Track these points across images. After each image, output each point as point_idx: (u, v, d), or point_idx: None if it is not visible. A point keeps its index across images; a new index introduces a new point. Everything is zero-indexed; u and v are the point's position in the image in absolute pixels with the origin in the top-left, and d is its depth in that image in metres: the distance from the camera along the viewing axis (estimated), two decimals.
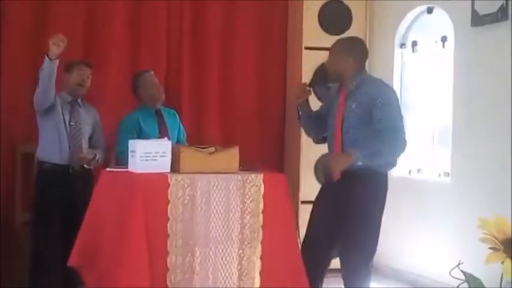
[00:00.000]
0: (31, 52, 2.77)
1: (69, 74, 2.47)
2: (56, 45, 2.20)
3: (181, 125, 2.80)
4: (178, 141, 2.67)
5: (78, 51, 2.78)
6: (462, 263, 0.95)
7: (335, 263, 2.09)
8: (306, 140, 2.94)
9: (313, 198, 2.56)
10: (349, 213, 1.94)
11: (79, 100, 2.51)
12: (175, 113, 2.80)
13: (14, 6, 2.74)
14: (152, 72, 2.75)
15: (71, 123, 2.44)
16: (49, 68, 2.24)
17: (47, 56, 2.23)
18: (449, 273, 0.98)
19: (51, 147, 2.40)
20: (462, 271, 0.94)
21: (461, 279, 0.91)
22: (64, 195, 2.37)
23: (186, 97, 3.07)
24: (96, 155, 2.46)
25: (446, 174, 2.94)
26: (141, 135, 2.53)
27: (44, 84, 2.27)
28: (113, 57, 2.95)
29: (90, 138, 2.52)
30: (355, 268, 1.97)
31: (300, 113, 2.11)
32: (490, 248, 0.95)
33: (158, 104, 2.69)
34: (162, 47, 3.05)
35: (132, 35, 2.99)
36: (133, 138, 2.46)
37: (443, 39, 2.94)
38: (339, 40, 2.16)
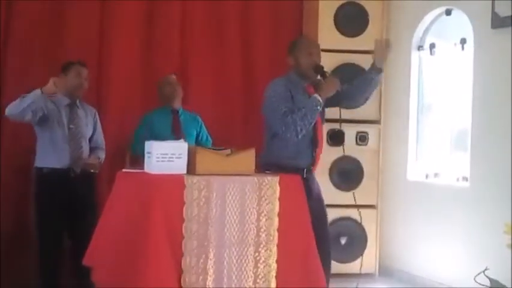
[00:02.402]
0: (39, 55, 2.74)
1: (66, 76, 2.42)
2: (55, 86, 2.18)
3: (205, 131, 2.82)
4: (199, 145, 2.66)
5: (91, 49, 2.78)
6: (488, 269, 0.92)
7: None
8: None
9: (326, 202, 2.55)
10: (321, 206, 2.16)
11: (77, 102, 2.48)
12: (198, 117, 2.82)
13: (22, 7, 2.69)
14: (173, 75, 2.79)
15: (71, 126, 2.41)
16: (36, 99, 2.18)
17: (40, 88, 2.19)
18: (474, 279, 0.95)
19: (49, 153, 2.36)
20: (488, 277, 0.91)
21: (485, 286, 0.88)
22: (65, 198, 2.35)
23: (202, 99, 3.07)
24: (99, 158, 2.46)
25: (465, 178, 2.88)
26: (152, 132, 2.54)
27: (22, 110, 2.20)
28: (125, 56, 2.93)
29: (90, 140, 2.51)
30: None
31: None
32: None
33: (175, 104, 2.71)
34: (175, 48, 3.03)
35: (145, 34, 2.99)
36: (143, 134, 2.51)
37: (463, 41, 2.89)
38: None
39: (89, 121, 2.51)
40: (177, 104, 2.73)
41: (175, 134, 2.58)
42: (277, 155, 2.09)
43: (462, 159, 2.92)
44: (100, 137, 2.57)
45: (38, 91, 2.21)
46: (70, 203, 2.36)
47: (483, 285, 0.90)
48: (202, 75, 3.10)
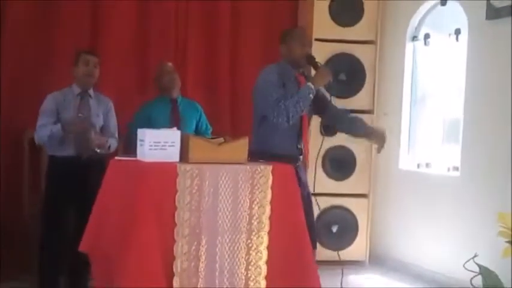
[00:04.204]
0: (34, 40, 2.76)
1: (76, 66, 2.46)
2: (79, 129, 2.33)
3: (204, 119, 2.80)
4: (198, 135, 2.66)
5: (84, 42, 2.78)
6: (477, 256, 0.93)
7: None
8: (314, 131, 2.93)
9: (323, 191, 2.56)
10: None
11: (90, 91, 2.49)
12: (197, 105, 2.80)
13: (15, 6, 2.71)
14: (169, 63, 2.76)
15: (79, 115, 2.42)
16: (60, 137, 2.34)
17: (63, 127, 2.33)
18: (464, 266, 0.97)
19: (59, 143, 2.39)
20: (477, 264, 0.92)
21: (475, 272, 0.89)
22: (76, 185, 2.37)
23: (194, 89, 3.07)
24: (107, 141, 2.44)
25: (456, 168, 2.91)
26: (150, 121, 2.53)
27: (49, 145, 2.40)
28: (120, 49, 2.94)
29: (101, 129, 2.50)
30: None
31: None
32: (506, 242, 0.93)
33: (172, 93, 2.69)
34: (170, 41, 3.03)
35: (140, 28, 2.99)
36: (141, 124, 2.50)
37: (457, 32, 2.90)
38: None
39: (100, 111, 2.50)
40: (176, 93, 2.70)
41: (175, 123, 2.56)
42: (265, 142, 2.12)
43: (453, 150, 2.95)
44: (112, 127, 2.56)
45: (59, 128, 2.34)
46: (79, 191, 2.36)
47: (472, 271, 0.92)
48: (192, 65, 3.08)
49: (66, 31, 2.82)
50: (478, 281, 0.90)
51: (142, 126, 2.45)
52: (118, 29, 2.94)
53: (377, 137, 2.27)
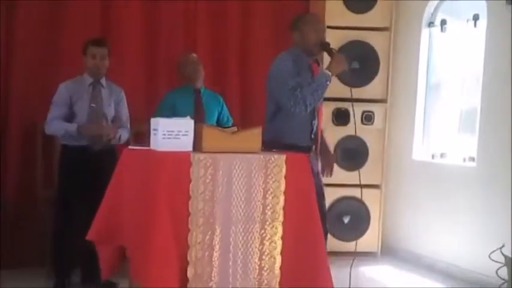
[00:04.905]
0: (45, 34, 2.77)
1: (85, 56, 2.45)
2: (96, 134, 2.36)
3: (226, 111, 2.80)
4: (219, 125, 2.66)
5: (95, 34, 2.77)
6: (504, 246, 0.90)
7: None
8: (325, 122, 2.89)
9: (335, 181, 2.51)
10: None
11: (102, 81, 2.49)
12: (219, 97, 2.80)
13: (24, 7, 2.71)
14: (193, 54, 2.78)
15: (92, 105, 2.43)
16: (72, 134, 2.37)
17: (78, 128, 2.36)
18: (489, 256, 0.94)
19: (72, 139, 2.40)
20: (504, 254, 0.90)
21: (501, 263, 0.87)
22: (88, 174, 2.38)
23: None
24: (118, 132, 2.45)
25: (472, 159, 2.86)
26: (175, 112, 2.52)
27: (58, 135, 2.44)
28: (130, 49, 2.93)
29: (113, 119, 2.50)
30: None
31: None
32: None
33: (196, 83, 2.69)
34: (179, 35, 3.02)
35: (149, 28, 2.97)
36: (166, 110, 2.51)
37: (475, 17, 2.82)
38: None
39: (112, 101, 2.50)
40: (200, 84, 2.71)
41: (199, 114, 2.56)
42: (278, 132, 2.09)
43: (470, 140, 2.89)
44: (123, 116, 2.56)
45: (74, 129, 2.37)
46: (91, 181, 2.37)
47: (498, 262, 0.89)
48: (206, 60, 3.04)
49: (76, 29, 2.80)
50: (504, 272, 0.88)
51: (167, 113, 2.47)
52: (127, 30, 2.93)
53: (325, 158, 2.21)
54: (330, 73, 2.04)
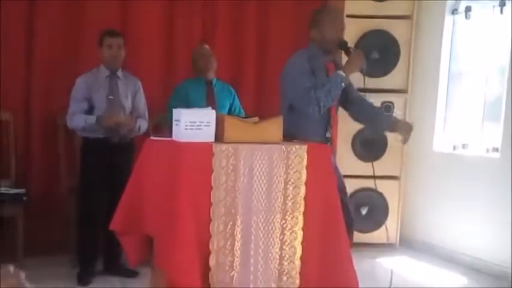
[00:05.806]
0: (66, 27, 2.79)
1: (101, 47, 2.47)
2: (113, 124, 2.36)
3: (238, 103, 2.81)
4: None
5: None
6: None
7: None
8: (341, 115, 2.86)
9: (353, 172, 2.48)
10: None
11: (118, 72, 2.50)
12: (231, 88, 2.81)
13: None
14: (206, 46, 2.78)
15: (109, 97, 2.45)
16: (93, 126, 2.39)
17: (97, 119, 2.38)
18: None
19: (92, 131, 2.44)
20: None
21: None
22: (108, 166, 2.42)
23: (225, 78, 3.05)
24: (136, 122, 2.46)
25: (496, 149, 2.80)
26: (188, 102, 2.55)
27: (79, 129, 2.46)
28: (147, 49, 2.94)
29: (131, 111, 2.52)
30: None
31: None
32: None
33: (208, 75, 2.70)
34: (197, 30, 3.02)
35: (166, 28, 2.97)
36: (180, 96, 2.53)
37: (502, 4, 2.73)
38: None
39: (129, 92, 2.52)
40: (211, 75, 2.72)
41: (210, 104, 2.57)
42: (292, 130, 2.06)
43: (493, 130, 2.82)
44: (141, 107, 2.57)
45: (94, 121, 2.39)
46: (111, 171, 2.41)
47: None
48: (219, 45, 3.05)
49: (96, 23, 2.80)
50: None
51: (181, 99, 2.46)
52: (146, 22, 2.93)
53: (401, 130, 2.17)
54: (344, 74, 2.01)
